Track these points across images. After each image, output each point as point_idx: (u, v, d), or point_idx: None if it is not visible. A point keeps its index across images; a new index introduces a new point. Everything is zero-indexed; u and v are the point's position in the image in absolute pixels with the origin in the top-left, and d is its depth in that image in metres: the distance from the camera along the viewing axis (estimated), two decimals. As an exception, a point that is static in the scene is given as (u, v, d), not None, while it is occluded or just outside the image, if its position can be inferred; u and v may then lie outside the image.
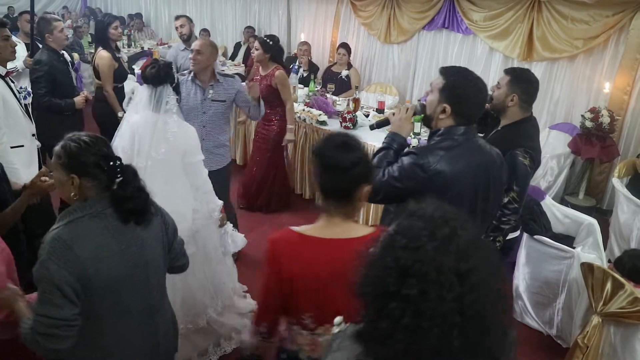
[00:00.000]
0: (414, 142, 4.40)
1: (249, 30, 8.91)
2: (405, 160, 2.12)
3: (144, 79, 2.86)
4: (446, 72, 2.19)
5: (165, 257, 2.01)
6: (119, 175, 1.79)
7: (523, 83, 2.77)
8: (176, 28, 5.68)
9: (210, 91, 3.82)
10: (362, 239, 1.67)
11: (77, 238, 1.71)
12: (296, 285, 1.68)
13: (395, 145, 2.30)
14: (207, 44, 3.83)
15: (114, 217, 1.79)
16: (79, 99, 4.31)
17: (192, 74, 3.84)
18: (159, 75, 2.80)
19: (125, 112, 4.75)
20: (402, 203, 2.19)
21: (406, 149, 2.26)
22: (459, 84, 2.12)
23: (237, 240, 3.41)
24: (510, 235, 2.67)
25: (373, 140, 4.63)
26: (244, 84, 4.38)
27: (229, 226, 3.34)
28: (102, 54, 4.78)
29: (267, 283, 1.75)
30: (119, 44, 5.38)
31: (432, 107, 2.18)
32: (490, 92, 2.91)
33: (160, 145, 2.80)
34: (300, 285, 1.68)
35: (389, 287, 0.98)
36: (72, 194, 1.77)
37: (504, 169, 2.28)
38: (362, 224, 4.42)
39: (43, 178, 2.44)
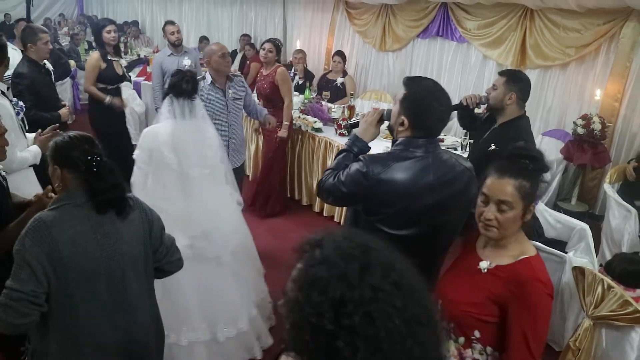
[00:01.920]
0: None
1: (245, 39, 8.97)
2: (353, 166, 2.08)
3: (180, 93, 2.96)
4: (408, 83, 2.10)
5: (147, 254, 2.06)
6: (94, 169, 1.89)
7: (519, 82, 3.01)
8: (172, 33, 5.71)
9: (230, 90, 4.10)
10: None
11: (57, 222, 1.84)
12: None
13: (355, 149, 2.23)
14: None
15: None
16: (64, 112, 4.19)
17: (210, 79, 4.06)
18: (195, 87, 3.00)
19: (110, 99, 4.90)
20: (356, 212, 2.20)
21: (360, 155, 2.19)
22: (418, 96, 2.05)
23: None
24: None
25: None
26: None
27: None
28: (91, 54, 4.94)
29: (547, 321, 1.82)
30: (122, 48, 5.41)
31: (394, 118, 2.13)
32: (486, 94, 3.09)
33: (205, 151, 3.02)
34: None
35: (326, 326, 0.85)
36: (56, 184, 1.92)
37: (472, 183, 2.13)
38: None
39: (50, 195, 2.43)
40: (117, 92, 5.13)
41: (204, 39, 9.20)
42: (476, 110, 3.41)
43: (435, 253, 2.22)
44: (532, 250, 1.82)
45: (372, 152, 2.26)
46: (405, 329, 0.87)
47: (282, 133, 4.99)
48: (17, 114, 3.20)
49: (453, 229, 2.17)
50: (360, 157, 2.09)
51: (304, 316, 0.87)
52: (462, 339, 1.84)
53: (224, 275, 3.08)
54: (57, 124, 3.44)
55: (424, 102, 2.03)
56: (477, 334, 1.81)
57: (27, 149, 3.11)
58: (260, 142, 5.69)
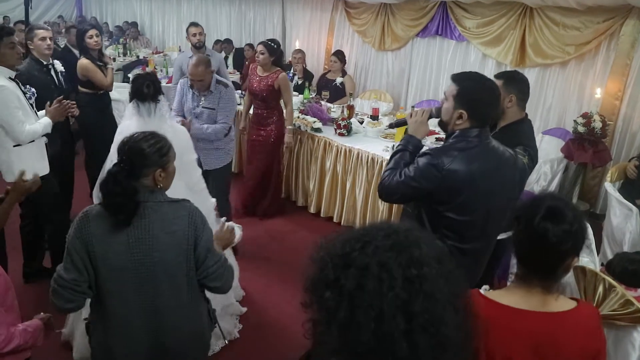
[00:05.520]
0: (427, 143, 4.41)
1: (217, 45, 9.08)
2: (421, 160, 2.24)
3: (142, 97, 2.94)
4: (458, 79, 2.28)
5: (187, 266, 2.01)
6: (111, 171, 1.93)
7: (517, 83, 2.96)
8: (194, 35, 5.62)
9: (202, 99, 4.08)
10: (568, 314, 1.55)
11: (98, 217, 1.92)
12: None
13: (410, 147, 2.40)
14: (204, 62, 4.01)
15: None
16: (52, 111, 3.63)
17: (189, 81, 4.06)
18: (157, 91, 2.97)
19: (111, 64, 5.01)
20: (420, 205, 2.34)
21: (422, 150, 2.38)
22: (472, 89, 2.23)
23: (235, 232, 3.47)
24: (502, 236, 2.70)
25: (373, 149, 4.65)
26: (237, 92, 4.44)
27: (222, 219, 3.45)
28: (81, 62, 4.76)
29: None
30: (109, 53, 5.29)
31: (448, 114, 2.27)
32: None
33: None
34: None
35: (328, 275, 0.93)
36: None
37: (518, 167, 2.39)
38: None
39: (24, 178, 2.49)
40: (108, 99, 5.11)
41: (225, 42, 9.17)
42: None
43: (488, 238, 2.40)
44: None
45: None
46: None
47: (288, 139, 5.02)
48: (29, 98, 3.57)
49: (501, 215, 2.32)
50: (427, 150, 2.28)
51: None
52: None
53: None
54: (62, 96, 3.72)
55: (479, 94, 2.22)
56: None
57: (37, 121, 3.46)
58: (240, 141, 5.93)
